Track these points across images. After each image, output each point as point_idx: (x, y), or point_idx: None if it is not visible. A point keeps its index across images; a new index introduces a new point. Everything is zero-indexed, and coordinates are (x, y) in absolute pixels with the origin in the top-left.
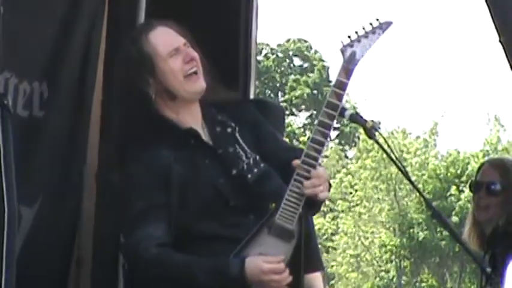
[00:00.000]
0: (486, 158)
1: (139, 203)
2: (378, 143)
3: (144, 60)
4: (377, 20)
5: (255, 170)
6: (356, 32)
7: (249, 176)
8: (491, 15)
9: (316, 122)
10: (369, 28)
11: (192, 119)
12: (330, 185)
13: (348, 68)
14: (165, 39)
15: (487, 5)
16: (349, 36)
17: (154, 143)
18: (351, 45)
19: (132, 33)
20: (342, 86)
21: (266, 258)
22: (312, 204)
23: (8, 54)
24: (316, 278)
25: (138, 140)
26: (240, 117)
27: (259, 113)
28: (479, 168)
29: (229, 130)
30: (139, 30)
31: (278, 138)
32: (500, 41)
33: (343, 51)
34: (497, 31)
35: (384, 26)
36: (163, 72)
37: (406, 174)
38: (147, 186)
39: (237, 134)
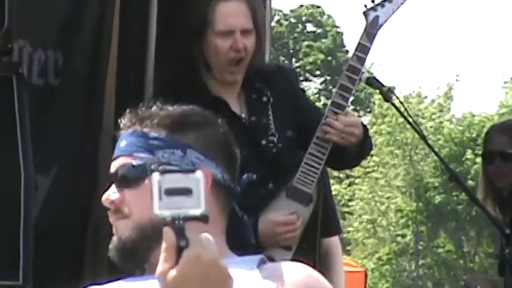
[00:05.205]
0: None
1: None
2: (394, 106)
3: (200, 24)
4: None
5: (280, 146)
6: None
7: (274, 150)
8: None
9: (337, 85)
10: None
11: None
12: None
13: (370, 32)
14: (228, 16)
15: None
16: (372, 1)
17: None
18: (374, 9)
19: None
20: (364, 50)
21: (278, 213)
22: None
23: (21, 23)
24: (333, 241)
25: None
26: (277, 86)
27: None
28: (486, 136)
29: (264, 99)
30: None
31: (315, 111)
32: None
33: (366, 15)
34: None
35: None
36: (209, 44)
37: (423, 137)
38: None
39: (270, 107)
